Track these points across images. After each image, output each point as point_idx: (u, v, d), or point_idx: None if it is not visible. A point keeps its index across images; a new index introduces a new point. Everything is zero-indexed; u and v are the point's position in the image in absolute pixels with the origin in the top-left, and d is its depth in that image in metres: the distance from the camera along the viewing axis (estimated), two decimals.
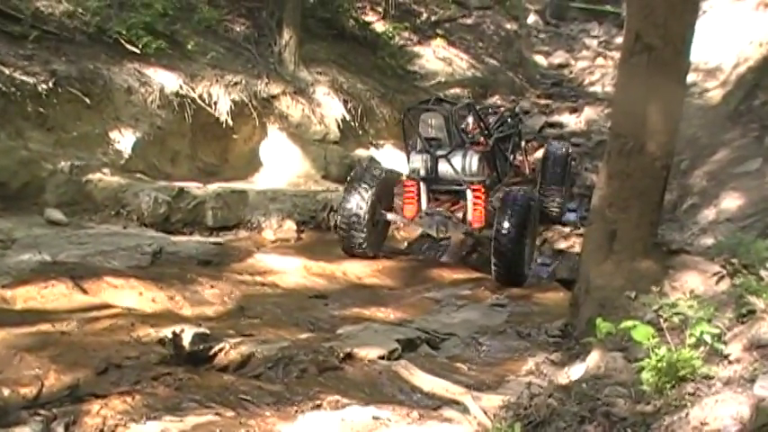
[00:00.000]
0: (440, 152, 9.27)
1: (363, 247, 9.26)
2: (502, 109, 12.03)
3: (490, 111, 11.87)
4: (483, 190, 9.30)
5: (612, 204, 6.01)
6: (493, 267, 8.76)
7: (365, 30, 15.32)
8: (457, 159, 9.25)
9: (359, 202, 9.19)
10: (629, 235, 5.95)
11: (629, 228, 5.95)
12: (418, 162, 9.40)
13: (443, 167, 9.31)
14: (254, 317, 6.67)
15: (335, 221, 9.76)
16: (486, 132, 10.14)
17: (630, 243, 5.94)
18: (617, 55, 16.06)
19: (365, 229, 9.18)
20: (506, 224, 8.59)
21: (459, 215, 9.45)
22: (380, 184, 9.42)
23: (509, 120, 11.32)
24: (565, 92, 17.22)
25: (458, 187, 9.42)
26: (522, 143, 11.59)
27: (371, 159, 12.11)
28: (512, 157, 11.02)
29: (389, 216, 9.74)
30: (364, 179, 9.37)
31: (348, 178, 9.69)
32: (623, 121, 6.06)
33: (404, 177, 9.74)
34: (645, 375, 3.95)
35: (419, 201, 9.51)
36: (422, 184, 9.44)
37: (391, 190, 9.86)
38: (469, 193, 9.30)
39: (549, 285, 9.13)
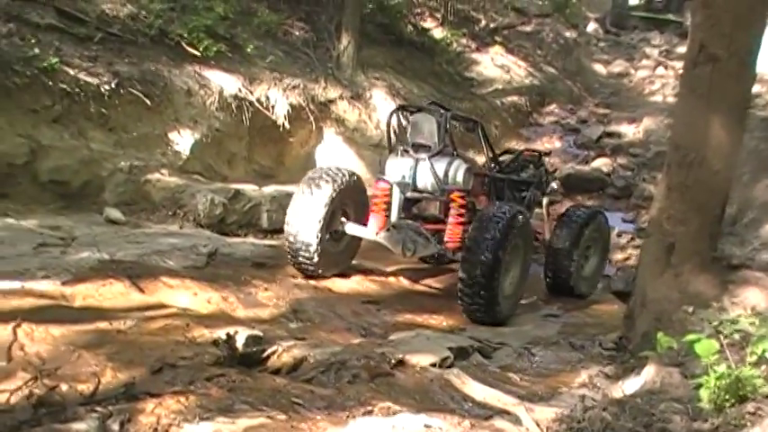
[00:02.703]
0: (421, 155, 7.86)
1: (312, 263, 7.70)
2: (527, 151, 10.11)
3: (509, 152, 10.40)
4: (465, 204, 7.88)
5: (671, 217, 5.92)
6: (458, 296, 7.36)
7: (423, 35, 15.38)
8: (440, 165, 7.82)
9: (310, 209, 7.64)
10: (687, 248, 5.85)
11: (687, 241, 5.85)
12: (394, 164, 7.94)
13: (423, 173, 7.85)
14: (306, 320, 6.71)
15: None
16: (492, 158, 8.87)
17: (689, 256, 5.85)
18: (678, 65, 15.94)
19: (316, 243, 7.62)
20: (478, 246, 7.13)
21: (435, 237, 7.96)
22: (345, 189, 7.84)
23: (531, 165, 9.47)
24: (624, 101, 17.04)
25: (436, 197, 8.03)
26: (545, 201, 9.39)
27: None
28: (528, 210, 8.82)
29: (349, 228, 7.97)
30: (321, 180, 7.77)
31: (304, 178, 8.06)
32: (684, 132, 5.97)
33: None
34: (703, 392, 3.89)
35: (388, 210, 7.87)
36: (395, 189, 7.84)
37: (361, 197, 8.18)
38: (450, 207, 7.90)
39: (603, 297, 9.04)
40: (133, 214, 8.87)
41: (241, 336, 5.40)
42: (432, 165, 7.77)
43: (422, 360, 5.60)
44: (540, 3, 19.22)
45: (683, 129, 6.05)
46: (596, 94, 17.61)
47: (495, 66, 16.47)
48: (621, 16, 21.08)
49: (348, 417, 4.42)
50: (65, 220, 8.05)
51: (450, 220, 7.80)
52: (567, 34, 19.11)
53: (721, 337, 4.03)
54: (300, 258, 7.72)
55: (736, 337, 4.16)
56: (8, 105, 8.49)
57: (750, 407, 3.68)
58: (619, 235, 10.99)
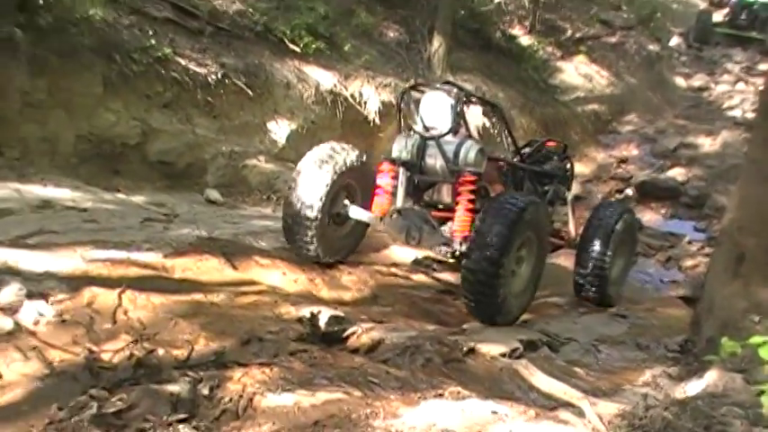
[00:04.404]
0: (430, 134, 6.67)
1: (310, 248, 6.77)
2: (550, 143, 8.71)
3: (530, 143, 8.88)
4: (476, 189, 6.68)
5: (743, 228, 5.80)
6: (462, 294, 6.45)
7: (511, 42, 15.28)
8: (450, 145, 6.64)
9: (311, 186, 6.64)
10: (757, 259, 5.72)
11: (759, 252, 5.71)
12: (402, 143, 6.81)
13: (432, 153, 6.70)
14: (386, 305, 6.70)
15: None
16: (512, 144, 7.74)
17: (758, 267, 5.71)
18: (759, 81, 15.51)
19: (315, 226, 6.65)
20: (483, 238, 6.05)
21: (445, 227, 6.79)
22: (351, 170, 6.87)
23: (555, 158, 8.33)
24: (702, 114, 16.64)
25: (445, 180, 6.87)
26: (570, 197, 8.32)
27: None
28: (549, 206, 8.01)
29: (352, 211, 6.96)
30: (326, 157, 6.76)
31: (306, 155, 7.00)
32: (762, 147, 5.85)
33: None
34: (765, 399, 3.81)
35: (395, 194, 6.83)
36: (402, 171, 6.79)
37: (370, 179, 7.04)
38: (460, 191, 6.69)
39: (671, 300, 8.87)
40: (230, 196, 8.99)
41: (324, 315, 5.46)
42: (441, 145, 6.64)
43: (492, 349, 5.54)
44: (626, 16, 18.93)
45: (759, 144, 5.92)
46: (675, 105, 17.22)
47: (579, 74, 16.32)
48: (705, 32, 20.55)
49: (420, 398, 4.41)
50: (169, 198, 8.20)
51: (459, 206, 6.60)
52: (651, 47, 18.76)
53: None
54: (298, 241, 6.80)
55: None
56: (125, 90, 8.70)
57: None
58: (690, 242, 10.80)
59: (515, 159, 7.79)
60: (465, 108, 7.01)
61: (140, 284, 5.33)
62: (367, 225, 7.22)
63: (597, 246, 7.64)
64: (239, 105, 9.73)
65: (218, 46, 9.91)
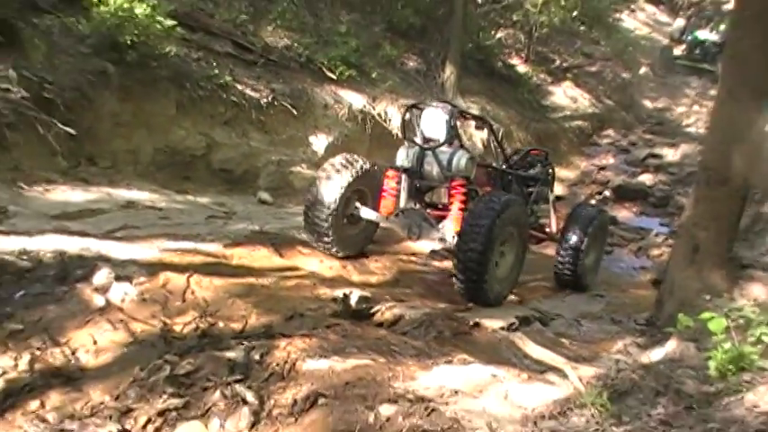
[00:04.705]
0: (428, 145, 6.71)
1: (326, 242, 6.69)
2: (534, 152, 8.59)
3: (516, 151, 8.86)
4: (467, 191, 6.65)
5: (697, 224, 5.78)
6: (455, 279, 6.31)
7: (510, 70, 15.24)
8: (444, 154, 6.64)
9: (328, 190, 6.57)
10: (709, 249, 5.70)
11: (709, 244, 5.69)
12: (404, 153, 6.82)
13: (429, 161, 6.69)
14: (406, 287, 6.68)
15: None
16: (501, 153, 7.75)
17: (710, 256, 5.69)
18: (710, 104, 15.36)
19: (331, 223, 6.59)
20: (470, 232, 6.01)
21: (442, 224, 6.68)
22: (363, 176, 6.77)
23: (538, 164, 8.21)
24: (666, 130, 16.48)
25: (441, 184, 6.89)
26: (552, 197, 8.22)
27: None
28: (534, 205, 7.99)
29: (363, 212, 6.88)
30: (340, 166, 6.73)
31: (325, 164, 6.99)
32: (712, 157, 5.82)
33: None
34: (712, 363, 3.83)
35: (398, 196, 6.86)
36: (404, 177, 6.80)
37: (379, 185, 6.98)
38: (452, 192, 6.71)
39: (640, 283, 8.81)
40: (279, 197, 8.99)
41: (354, 295, 5.48)
42: (436, 154, 6.65)
43: (493, 324, 5.55)
44: (604, 49, 18.79)
45: (710, 155, 5.89)
46: (644, 123, 17.07)
47: (566, 96, 16.20)
48: (667, 63, 20.57)
49: (433, 364, 4.42)
50: (228, 199, 8.24)
51: (452, 206, 6.62)
52: (624, 75, 18.61)
53: (729, 321, 3.95)
54: (317, 237, 6.71)
55: (741, 321, 4.07)
56: (193, 111, 8.78)
57: (747, 376, 3.63)
58: (656, 235, 10.71)
59: (504, 166, 7.71)
60: (459, 123, 6.99)
61: (205, 270, 5.36)
62: (377, 224, 7.08)
63: (574, 239, 7.56)
64: (286, 122, 9.76)
65: (269, 74, 9.94)
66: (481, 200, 6.32)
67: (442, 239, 6.58)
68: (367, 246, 7.31)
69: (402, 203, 6.81)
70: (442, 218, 6.73)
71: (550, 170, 8.26)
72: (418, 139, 6.76)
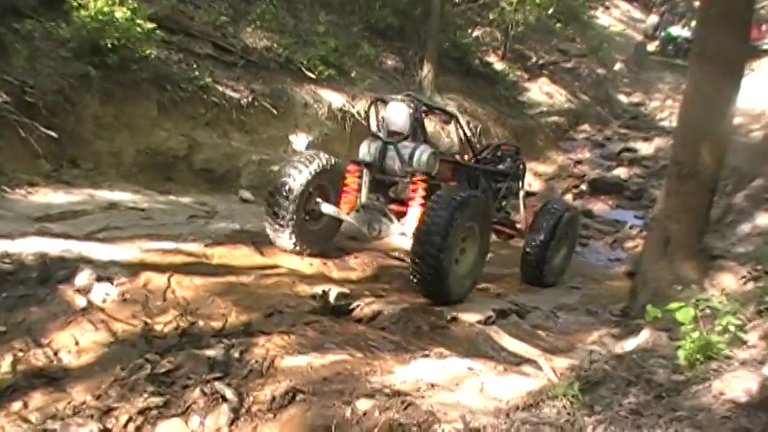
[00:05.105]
0: (389, 138, 6.43)
1: (288, 239, 6.43)
2: (504, 146, 8.22)
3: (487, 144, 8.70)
4: (427, 187, 6.30)
5: (669, 216, 5.83)
6: (412, 276, 5.89)
7: (487, 67, 15.24)
8: (406, 149, 6.33)
9: (288, 186, 6.31)
10: (680, 241, 5.76)
11: (680, 236, 5.76)
12: (366, 147, 6.52)
13: (391, 156, 6.40)
14: (385, 283, 6.63)
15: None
16: (469, 147, 7.47)
17: (681, 248, 5.76)
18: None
19: (291, 219, 6.31)
20: (428, 226, 5.66)
21: (402, 220, 6.35)
22: (324, 172, 6.51)
23: (508, 159, 7.87)
24: (641, 124, 16.58)
25: (401, 179, 6.51)
26: (522, 193, 7.89)
27: None
28: (503, 201, 7.70)
29: (324, 207, 6.58)
30: (300, 162, 6.45)
31: (284, 161, 6.80)
32: (682, 151, 5.87)
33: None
34: (681, 353, 3.86)
35: (359, 191, 6.52)
36: (366, 171, 6.47)
37: (341, 180, 6.64)
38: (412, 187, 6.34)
39: (615, 275, 8.85)
40: (260, 195, 8.82)
41: (333, 292, 5.46)
42: (398, 148, 6.34)
43: (470, 318, 5.57)
44: (579, 46, 18.87)
45: (681, 149, 5.94)
46: (619, 117, 17.16)
47: (542, 92, 16.24)
48: (642, 59, 20.72)
49: (410, 358, 4.44)
50: (210, 198, 8.18)
51: (412, 202, 6.25)
52: (599, 71, 18.69)
53: (697, 311, 3.99)
54: (278, 234, 6.44)
55: (708, 311, 4.11)
56: (175, 113, 8.73)
57: (714, 365, 3.66)
58: (631, 228, 10.79)
59: (472, 161, 7.43)
60: (423, 116, 6.72)
61: (185, 269, 5.35)
62: (340, 221, 6.79)
63: (541, 236, 7.29)
64: (266, 122, 9.72)
65: (249, 75, 9.89)
66: (440, 195, 5.98)
67: (402, 235, 6.32)
68: (329, 243, 7.03)
69: (363, 198, 6.50)
70: (404, 213, 6.40)
71: (521, 165, 7.97)
72: (382, 134, 6.52)
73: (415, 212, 6.16)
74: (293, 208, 6.33)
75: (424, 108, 6.70)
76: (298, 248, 6.53)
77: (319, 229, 6.82)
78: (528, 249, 7.36)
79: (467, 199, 5.89)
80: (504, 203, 7.76)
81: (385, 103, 6.61)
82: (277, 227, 6.40)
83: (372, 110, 6.72)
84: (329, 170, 6.59)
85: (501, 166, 7.78)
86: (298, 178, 6.34)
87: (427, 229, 5.65)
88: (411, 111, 6.39)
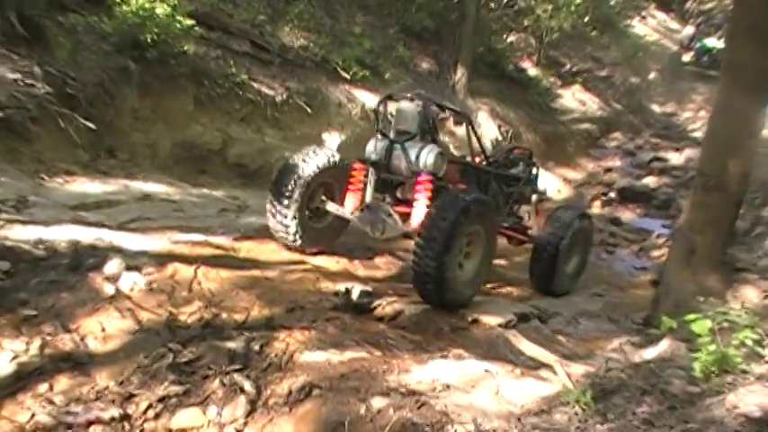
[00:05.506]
0: (396, 137, 6.18)
1: (291, 237, 6.22)
2: (518, 150, 7.92)
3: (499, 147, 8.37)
4: (433, 188, 6.02)
5: (693, 228, 5.77)
6: (414, 277, 5.54)
7: (520, 73, 15.14)
8: (414, 149, 6.06)
9: (290, 186, 6.12)
10: (704, 253, 5.70)
11: (704, 247, 5.70)
12: (373, 145, 6.29)
13: (398, 155, 6.13)
14: (409, 282, 6.43)
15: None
16: (481, 149, 7.01)
17: (704, 259, 5.70)
18: None
19: (293, 218, 6.14)
20: (432, 226, 5.36)
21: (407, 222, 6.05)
22: (330, 169, 6.31)
23: (521, 163, 7.58)
24: (672, 134, 16.28)
25: (408, 179, 6.20)
26: (534, 198, 7.51)
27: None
28: (514, 206, 7.41)
29: (329, 206, 6.39)
30: (304, 160, 6.23)
31: (289, 157, 6.55)
32: (709, 163, 5.80)
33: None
34: (697, 365, 3.81)
35: (364, 190, 6.30)
36: (372, 170, 6.25)
37: (347, 179, 6.43)
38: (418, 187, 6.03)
39: (640, 283, 8.71)
40: None
41: (356, 290, 5.42)
42: (405, 148, 6.08)
43: (491, 320, 5.50)
44: (614, 54, 18.67)
45: (708, 161, 5.87)
46: (651, 127, 16.91)
47: (575, 99, 16.09)
48: (676, 69, 20.45)
49: (428, 358, 4.41)
50: (242, 193, 8.20)
51: (417, 203, 5.99)
52: (633, 79, 18.45)
53: (715, 323, 3.93)
54: (280, 232, 6.23)
55: (726, 324, 4.04)
56: (211, 107, 8.79)
57: (729, 378, 3.62)
58: (658, 237, 10.61)
59: (483, 163, 7.12)
60: (435, 117, 6.39)
61: (212, 261, 5.36)
62: (347, 220, 6.48)
63: (552, 243, 6.99)
64: (300, 120, 9.75)
65: (285, 73, 9.93)
66: (447, 195, 5.74)
67: (407, 236, 6.10)
68: (336, 241, 6.78)
69: (368, 198, 6.26)
70: (410, 215, 6.11)
71: (534, 169, 7.66)
72: (391, 132, 6.25)
73: (419, 213, 5.91)
74: (296, 203, 6.14)
75: (435, 108, 6.38)
76: (299, 244, 6.31)
77: (324, 227, 6.61)
78: (537, 257, 7.09)
79: (473, 201, 5.61)
80: (515, 208, 7.48)
81: (395, 101, 6.40)
82: (279, 220, 6.20)
83: (381, 108, 6.50)
84: (335, 167, 6.39)
85: (513, 171, 7.51)
86: (302, 174, 6.16)
87: (430, 231, 5.37)
88: (420, 110, 6.15)
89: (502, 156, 7.60)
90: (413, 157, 6.07)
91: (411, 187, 6.22)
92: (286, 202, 6.12)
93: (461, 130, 7.96)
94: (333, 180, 6.45)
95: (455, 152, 9.51)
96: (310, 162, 6.21)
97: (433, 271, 5.32)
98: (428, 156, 6.04)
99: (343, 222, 6.63)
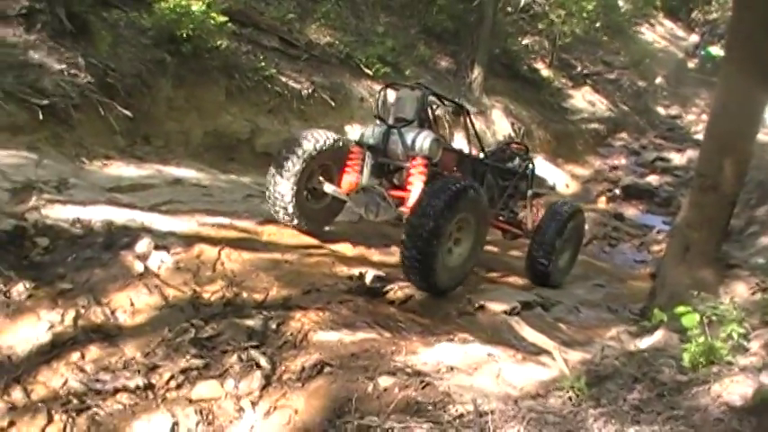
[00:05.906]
0: (393, 122, 5.96)
1: (288, 215, 5.99)
2: (515, 145, 7.74)
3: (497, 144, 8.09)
4: (427, 172, 5.80)
5: (690, 225, 5.71)
6: (402, 260, 5.22)
7: (534, 74, 15.02)
8: (410, 134, 5.82)
9: (288, 165, 5.92)
10: (698, 249, 5.64)
11: (699, 244, 5.64)
12: (370, 130, 6.09)
13: (394, 140, 5.89)
14: None
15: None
16: (477, 142, 6.79)
17: (699, 255, 5.64)
18: None
19: (291, 197, 5.91)
20: (422, 211, 5.06)
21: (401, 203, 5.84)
22: (328, 151, 6.07)
23: (517, 159, 7.30)
24: (675, 136, 16.15)
25: (404, 164, 5.97)
26: (529, 193, 7.18)
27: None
28: (509, 200, 7.13)
29: (326, 187, 6.14)
30: (303, 140, 6.01)
31: (288, 138, 6.41)
32: (706, 165, 5.73)
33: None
34: (685, 355, 3.79)
35: (361, 173, 6.09)
36: (368, 154, 6.05)
37: (345, 161, 6.21)
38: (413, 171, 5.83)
39: (640, 275, 8.62)
40: None
41: (369, 274, 5.39)
42: (401, 133, 5.86)
43: (497, 307, 5.44)
44: (623, 59, 18.49)
45: (705, 162, 5.81)
46: (656, 128, 16.75)
47: (585, 100, 15.92)
48: (681, 75, 20.28)
49: (435, 341, 4.40)
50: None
51: (411, 186, 5.78)
52: (640, 83, 18.25)
53: (704, 317, 3.89)
54: (278, 210, 6.02)
55: (715, 318, 4.01)
56: (240, 99, 8.78)
57: (715, 369, 3.62)
58: (658, 232, 10.52)
59: (480, 156, 6.87)
60: (432, 106, 6.20)
61: (236, 244, 5.37)
62: (343, 201, 6.26)
63: (548, 238, 6.73)
64: (324, 113, 9.71)
65: (311, 68, 9.90)
66: (440, 180, 5.54)
67: (400, 219, 5.77)
68: (332, 221, 6.59)
69: (364, 180, 6.04)
70: (403, 198, 5.88)
71: (530, 165, 7.34)
72: (390, 119, 6.05)
73: (414, 195, 5.63)
74: (294, 182, 5.92)
75: (433, 98, 6.19)
76: (295, 223, 6.11)
77: (321, 208, 6.39)
78: (534, 250, 6.83)
79: (464, 187, 5.33)
80: (510, 202, 7.24)
81: (396, 89, 6.26)
82: (277, 199, 5.99)
83: (382, 95, 6.35)
84: (333, 149, 6.15)
85: (509, 165, 7.26)
86: (301, 154, 5.95)
87: (421, 213, 5.08)
88: (418, 98, 5.95)
89: (498, 150, 7.46)
90: (409, 142, 5.84)
91: (407, 173, 6.02)
92: (283, 180, 5.92)
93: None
94: (331, 162, 6.23)
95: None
96: (310, 142, 6.01)
97: (421, 253, 5.04)
98: (424, 140, 5.82)
99: (339, 205, 6.45)
